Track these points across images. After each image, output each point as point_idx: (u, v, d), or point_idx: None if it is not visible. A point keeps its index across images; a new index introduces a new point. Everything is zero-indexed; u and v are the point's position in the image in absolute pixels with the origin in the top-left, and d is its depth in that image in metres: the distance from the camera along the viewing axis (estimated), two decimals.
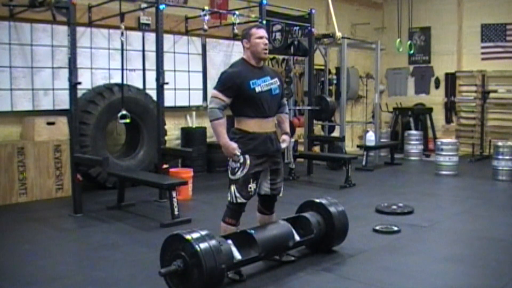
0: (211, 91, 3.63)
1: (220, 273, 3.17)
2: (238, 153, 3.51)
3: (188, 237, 3.18)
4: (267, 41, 3.65)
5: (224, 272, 3.24)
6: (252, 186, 3.59)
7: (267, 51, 3.65)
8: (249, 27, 3.76)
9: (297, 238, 3.88)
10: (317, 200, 4.24)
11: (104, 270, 3.82)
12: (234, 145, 3.51)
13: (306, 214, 4.10)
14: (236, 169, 3.58)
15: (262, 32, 3.65)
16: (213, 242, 3.20)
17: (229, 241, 3.47)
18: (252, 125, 3.56)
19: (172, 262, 3.19)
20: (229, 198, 3.65)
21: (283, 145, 3.79)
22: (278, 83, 3.74)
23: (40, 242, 4.59)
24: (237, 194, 3.59)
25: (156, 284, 3.53)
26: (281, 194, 3.85)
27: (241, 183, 3.58)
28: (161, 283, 3.47)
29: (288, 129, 3.89)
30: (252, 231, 3.59)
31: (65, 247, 4.53)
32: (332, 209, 4.14)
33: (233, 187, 3.60)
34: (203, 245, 3.14)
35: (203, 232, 3.26)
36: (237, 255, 3.42)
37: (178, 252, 3.19)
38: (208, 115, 3.55)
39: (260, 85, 3.58)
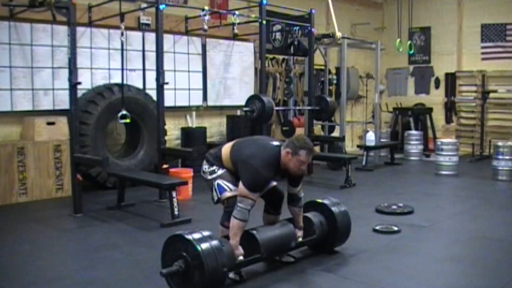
0: (243, 190, 3.39)
1: (221, 274, 3.17)
2: (241, 257, 3.43)
3: (189, 237, 3.18)
4: (305, 167, 3.55)
5: (226, 273, 3.23)
6: (233, 179, 3.62)
7: (300, 174, 3.59)
8: (303, 144, 3.48)
9: (299, 239, 3.87)
10: (320, 201, 4.23)
11: (104, 270, 3.82)
12: (241, 251, 3.42)
13: (309, 215, 4.09)
14: (214, 171, 3.67)
15: (308, 159, 3.50)
16: (214, 243, 3.20)
17: None
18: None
19: (173, 262, 3.18)
20: (217, 196, 3.65)
21: (293, 245, 3.81)
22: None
23: (40, 242, 4.59)
24: (228, 185, 3.60)
25: (156, 284, 3.53)
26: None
27: (223, 175, 3.62)
28: (161, 283, 3.47)
29: (302, 223, 3.88)
30: (254, 232, 3.59)
31: (65, 247, 4.53)
32: (334, 209, 4.13)
33: (215, 182, 3.63)
34: (204, 246, 3.13)
35: (205, 233, 3.25)
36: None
37: (179, 252, 3.18)
38: (236, 211, 3.39)
39: (271, 183, 3.73)
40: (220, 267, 3.13)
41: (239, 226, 3.39)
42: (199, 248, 3.10)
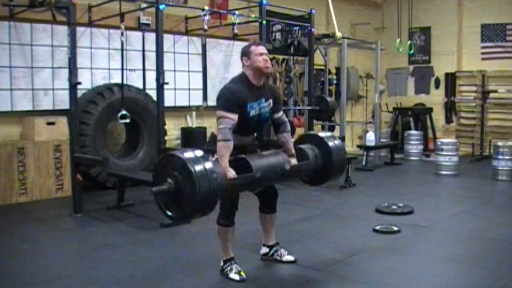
0: (218, 112, 3.40)
1: (213, 196, 3.04)
2: (234, 179, 3.32)
3: (182, 156, 3.03)
4: (267, 58, 3.57)
5: (218, 194, 3.09)
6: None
7: (269, 66, 3.57)
8: (248, 44, 3.67)
9: (293, 161, 3.69)
10: (314, 133, 4.04)
11: (104, 270, 3.82)
12: (232, 172, 3.31)
13: (302, 146, 3.93)
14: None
15: (262, 49, 3.57)
16: (207, 165, 3.04)
17: None
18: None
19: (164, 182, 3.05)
20: None
21: (287, 167, 3.65)
22: (271, 105, 3.65)
23: (40, 242, 4.59)
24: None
25: (156, 284, 3.53)
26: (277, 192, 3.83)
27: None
28: (161, 283, 3.48)
29: (293, 150, 3.77)
30: (243, 156, 3.46)
31: (65, 247, 4.53)
32: (329, 141, 3.91)
33: None
34: (197, 166, 2.98)
35: (199, 154, 3.10)
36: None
37: (171, 171, 3.03)
38: (218, 134, 3.36)
39: (255, 109, 3.53)
40: (212, 187, 2.98)
41: (223, 146, 3.31)
42: (191, 168, 2.95)
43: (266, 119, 3.66)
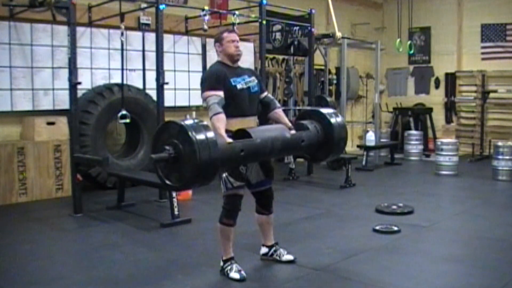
0: (204, 94, 3.47)
1: (213, 164, 2.98)
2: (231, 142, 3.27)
3: (183, 124, 2.99)
4: (238, 44, 3.66)
5: (218, 162, 3.02)
6: (243, 168, 3.52)
7: (239, 53, 3.67)
8: (221, 31, 3.77)
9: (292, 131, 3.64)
10: (313, 108, 3.98)
11: (104, 270, 3.82)
12: (229, 140, 3.27)
13: (303, 121, 3.87)
14: None
15: (234, 36, 3.66)
16: (208, 133, 2.99)
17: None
18: (234, 124, 3.45)
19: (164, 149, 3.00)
20: (223, 190, 3.57)
21: (288, 135, 3.58)
22: (256, 81, 3.71)
23: (40, 242, 4.59)
24: (231, 179, 3.50)
25: (156, 284, 3.53)
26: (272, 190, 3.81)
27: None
28: (161, 283, 3.48)
29: (290, 124, 3.73)
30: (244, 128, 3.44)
31: (65, 247, 4.53)
32: (330, 117, 3.83)
33: (224, 174, 3.52)
34: (197, 133, 2.93)
35: (200, 122, 3.05)
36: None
37: (171, 139, 2.98)
38: (208, 112, 3.41)
39: (241, 83, 3.57)
40: (212, 158, 2.93)
41: (216, 119, 3.33)
42: (192, 135, 2.91)
43: (256, 93, 3.68)
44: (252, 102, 3.66)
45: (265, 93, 3.85)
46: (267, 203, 3.84)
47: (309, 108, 4.01)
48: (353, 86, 10.69)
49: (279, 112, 3.80)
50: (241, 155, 3.23)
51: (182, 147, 2.93)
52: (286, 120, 3.78)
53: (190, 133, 2.91)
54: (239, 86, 3.54)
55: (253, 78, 3.71)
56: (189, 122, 3.02)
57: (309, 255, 4.13)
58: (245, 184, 3.61)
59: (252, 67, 9.01)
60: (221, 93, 3.43)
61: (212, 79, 3.50)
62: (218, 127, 3.29)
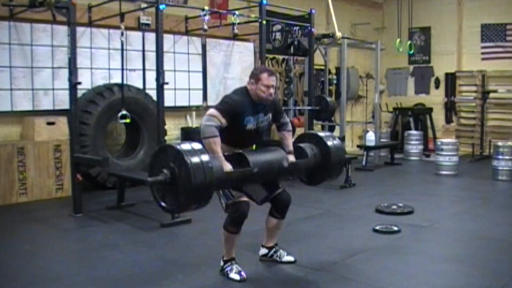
0: (210, 110, 3.41)
1: (208, 188, 3.04)
2: (231, 172, 3.30)
3: (179, 148, 3.04)
4: (273, 90, 3.56)
5: (213, 186, 3.08)
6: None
7: (271, 99, 3.58)
8: (261, 69, 3.70)
9: (291, 158, 3.70)
10: (313, 132, 4.07)
11: (104, 270, 3.82)
12: (229, 166, 3.31)
13: (301, 144, 3.94)
14: None
15: (272, 81, 3.55)
16: (204, 157, 3.04)
17: None
18: (228, 151, 3.46)
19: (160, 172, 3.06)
20: (223, 204, 3.53)
21: (285, 164, 3.64)
22: (270, 118, 3.70)
23: (40, 242, 4.59)
24: (232, 192, 3.49)
25: (156, 284, 3.53)
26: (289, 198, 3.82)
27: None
28: (161, 283, 3.48)
29: (291, 147, 3.79)
30: (240, 151, 3.47)
31: (65, 247, 4.54)
32: (327, 140, 3.91)
33: (220, 191, 3.50)
34: (193, 158, 2.98)
35: (196, 147, 3.10)
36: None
37: (167, 163, 3.04)
38: (202, 132, 3.34)
39: (252, 123, 3.54)
40: (207, 180, 2.98)
41: (213, 142, 3.29)
42: (188, 160, 2.96)
43: (263, 129, 3.69)
44: (255, 137, 3.68)
45: (281, 120, 3.84)
46: (283, 209, 3.81)
47: (308, 132, 4.08)
48: (353, 86, 10.69)
49: (286, 134, 3.85)
50: (236, 182, 3.32)
51: (178, 171, 3.00)
52: (289, 142, 3.82)
53: (185, 157, 2.98)
54: (248, 127, 3.53)
55: (268, 116, 3.66)
56: (185, 146, 3.07)
57: (309, 255, 4.13)
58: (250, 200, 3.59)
59: (252, 67, 9.02)
60: (224, 122, 3.38)
61: (228, 108, 3.43)
62: (215, 150, 3.29)
